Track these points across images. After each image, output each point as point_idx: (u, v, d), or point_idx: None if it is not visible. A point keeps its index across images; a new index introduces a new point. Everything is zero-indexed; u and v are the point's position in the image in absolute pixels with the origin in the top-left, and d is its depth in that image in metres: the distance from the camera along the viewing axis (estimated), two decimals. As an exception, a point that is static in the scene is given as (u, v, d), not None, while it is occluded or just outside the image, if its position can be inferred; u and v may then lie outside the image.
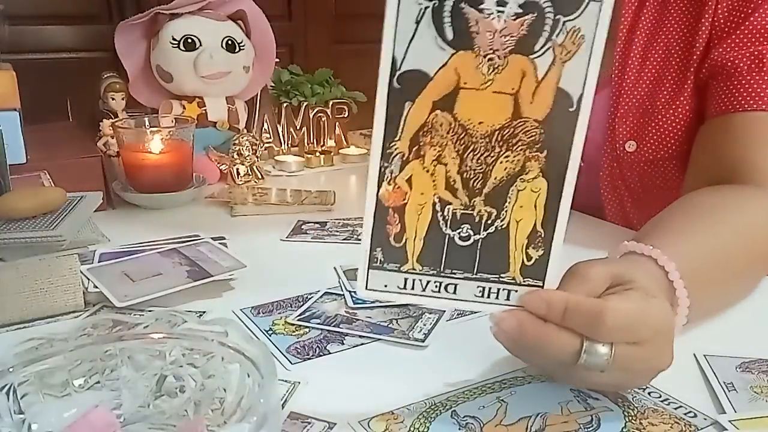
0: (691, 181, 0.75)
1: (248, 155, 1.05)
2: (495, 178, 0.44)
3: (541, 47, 0.41)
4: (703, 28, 0.76)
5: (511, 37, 0.41)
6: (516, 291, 0.45)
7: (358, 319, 0.60)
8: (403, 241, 0.45)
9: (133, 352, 0.42)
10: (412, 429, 0.45)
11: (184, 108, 1.07)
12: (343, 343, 0.56)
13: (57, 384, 0.41)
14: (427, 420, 0.46)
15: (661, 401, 0.48)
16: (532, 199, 0.44)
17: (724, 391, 0.49)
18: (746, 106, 0.71)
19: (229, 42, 1.06)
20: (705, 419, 0.46)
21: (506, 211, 0.44)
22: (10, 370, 0.39)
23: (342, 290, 0.65)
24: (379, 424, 0.45)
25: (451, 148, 0.43)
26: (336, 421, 0.45)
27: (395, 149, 0.43)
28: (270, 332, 0.58)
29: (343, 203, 0.95)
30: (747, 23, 0.73)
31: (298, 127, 1.22)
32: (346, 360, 0.54)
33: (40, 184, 0.79)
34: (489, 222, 0.44)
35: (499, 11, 0.41)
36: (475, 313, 0.60)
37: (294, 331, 0.58)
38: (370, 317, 0.60)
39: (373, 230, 0.44)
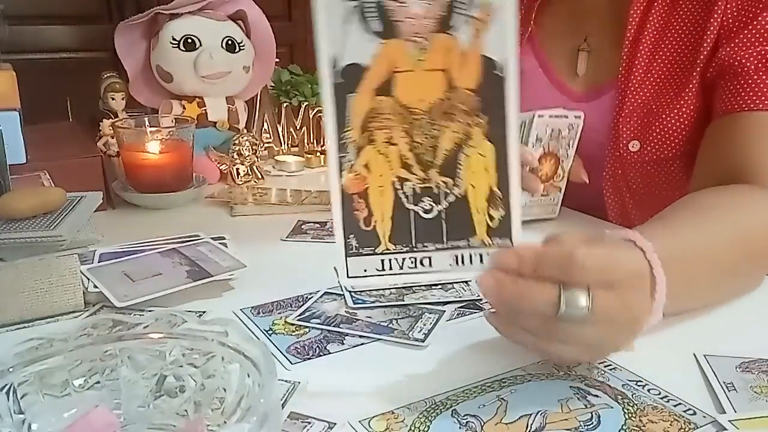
0: (698, 181, 0.75)
1: (248, 155, 1.05)
2: (444, 150, 0.47)
3: (460, 23, 0.45)
4: (712, 28, 0.76)
5: (431, 19, 0.45)
6: (488, 254, 0.47)
7: (358, 319, 0.60)
8: (373, 224, 0.47)
9: (133, 352, 0.42)
10: (412, 428, 0.45)
11: (184, 108, 1.07)
12: (343, 343, 0.56)
13: (57, 384, 0.41)
14: (428, 419, 0.46)
15: (661, 398, 0.48)
16: (481, 163, 0.47)
17: (724, 390, 0.49)
18: (752, 105, 0.71)
19: (229, 42, 1.06)
20: (704, 416, 0.46)
21: (461, 179, 0.47)
22: (10, 370, 0.39)
23: (342, 290, 0.65)
24: (379, 424, 0.45)
25: (398, 128, 0.46)
26: (336, 421, 0.45)
27: (348, 139, 0.46)
28: (270, 332, 0.58)
29: (343, 203, 0.95)
30: (755, 23, 0.73)
31: (298, 127, 1.22)
32: (346, 360, 0.54)
33: (40, 184, 0.79)
34: (447, 191, 0.47)
35: None
36: (475, 312, 0.61)
37: (294, 331, 0.58)
38: (370, 317, 0.60)
39: (344, 219, 0.47)
